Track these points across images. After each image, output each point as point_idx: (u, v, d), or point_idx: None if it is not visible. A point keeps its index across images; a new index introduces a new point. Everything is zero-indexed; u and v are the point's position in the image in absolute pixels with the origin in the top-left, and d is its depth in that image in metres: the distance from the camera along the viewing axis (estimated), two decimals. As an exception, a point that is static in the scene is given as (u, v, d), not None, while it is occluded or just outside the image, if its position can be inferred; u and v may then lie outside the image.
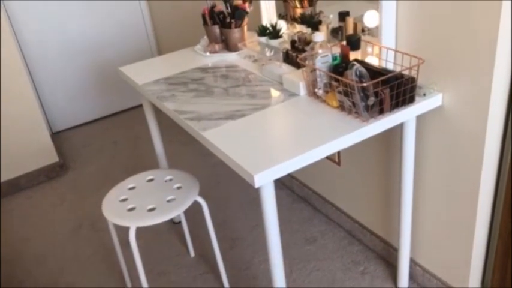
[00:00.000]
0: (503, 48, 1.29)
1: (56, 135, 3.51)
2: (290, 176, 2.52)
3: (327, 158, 2.17)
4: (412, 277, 1.92)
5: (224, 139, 1.39)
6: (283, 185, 2.61)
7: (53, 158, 3.01)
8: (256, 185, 1.22)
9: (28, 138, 2.87)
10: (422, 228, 1.79)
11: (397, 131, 1.70)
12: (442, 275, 1.80)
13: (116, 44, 3.56)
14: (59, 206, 2.72)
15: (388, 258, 2.03)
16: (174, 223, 2.45)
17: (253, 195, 2.56)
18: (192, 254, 2.22)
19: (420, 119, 1.59)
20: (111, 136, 3.42)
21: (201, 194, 1.79)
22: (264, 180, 1.23)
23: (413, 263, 1.90)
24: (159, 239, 2.35)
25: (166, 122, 3.26)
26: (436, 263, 1.81)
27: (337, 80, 1.42)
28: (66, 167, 3.09)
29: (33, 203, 2.78)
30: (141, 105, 3.78)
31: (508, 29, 1.27)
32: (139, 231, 2.33)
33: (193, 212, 2.41)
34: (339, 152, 2.09)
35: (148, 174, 1.92)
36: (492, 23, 1.25)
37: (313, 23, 1.86)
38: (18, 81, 2.74)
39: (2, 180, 2.86)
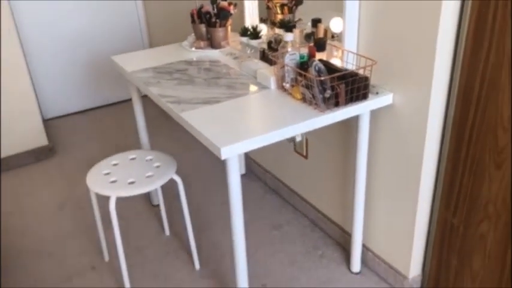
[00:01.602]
0: (441, 58, 1.51)
1: (46, 122, 3.68)
2: (263, 170, 2.72)
3: (296, 152, 2.37)
4: (363, 261, 2.12)
5: (199, 120, 1.59)
6: (257, 177, 2.80)
7: (42, 141, 3.18)
8: (223, 157, 1.41)
9: (21, 121, 3.04)
10: (374, 215, 2.00)
11: (356, 126, 1.91)
12: (390, 260, 2.00)
13: (109, 38, 3.75)
14: (45, 185, 2.89)
15: (344, 244, 2.23)
16: (153, 206, 2.63)
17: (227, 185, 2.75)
18: (167, 232, 2.40)
19: (374, 115, 1.80)
20: (100, 126, 3.60)
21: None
22: (230, 153, 1.43)
23: (365, 248, 2.10)
24: (138, 219, 2.52)
25: (152, 117, 3.46)
26: (385, 249, 2.01)
27: (301, 75, 1.62)
28: (54, 150, 3.26)
29: (21, 181, 2.94)
30: (130, 99, 3.96)
31: (445, 44, 1.49)
32: (120, 210, 2.50)
33: (171, 197, 2.60)
34: (307, 146, 2.29)
35: (131, 154, 2.11)
36: (431, 38, 1.48)
37: (289, 27, 2.07)
38: (17, 67, 2.92)
39: (-7, 158, 3.03)
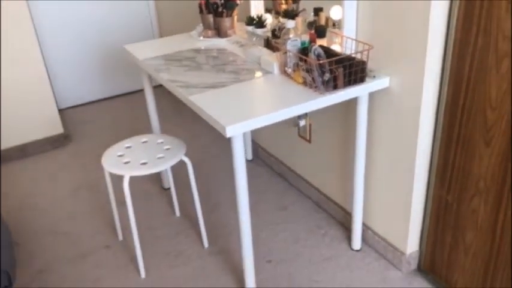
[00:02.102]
0: (433, 43, 1.60)
1: (61, 112, 3.81)
2: (269, 155, 2.83)
3: (300, 136, 2.48)
4: (364, 239, 2.22)
5: (206, 102, 1.70)
6: (264, 163, 2.91)
7: (58, 129, 3.31)
8: (227, 135, 1.53)
9: (37, 110, 3.18)
10: (373, 195, 2.10)
11: (355, 109, 2.01)
12: (389, 237, 2.10)
13: (121, 29, 3.87)
14: (61, 170, 3.03)
15: (345, 224, 2.33)
16: (163, 189, 2.75)
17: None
18: (178, 214, 2.52)
19: (372, 98, 1.90)
20: (113, 115, 3.73)
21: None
22: (234, 132, 1.54)
23: (365, 227, 2.20)
24: (149, 201, 2.65)
25: (162, 108, 3.58)
26: (384, 227, 2.11)
27: (302, 60, 1.73)
28: (69, 138, 3.39)
29: (38, 167, 3.08)
30: (142, 90, 4.09)
31: (437, 30, 1.58)
32: (133, 193, 2.62)
33: (180, 182, 2.72)
34: (310, 131, 2.39)
35: (143, 137, 2.23)
36: (424, 25, 1.57)
37: (292, 16, 2.17)
38: (33, 57, 3.05)
39: (12, 145, 3.16)
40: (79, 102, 3.94)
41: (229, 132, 1.52)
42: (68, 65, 3.78)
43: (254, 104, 1.68)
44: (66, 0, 3.59)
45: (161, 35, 4.03)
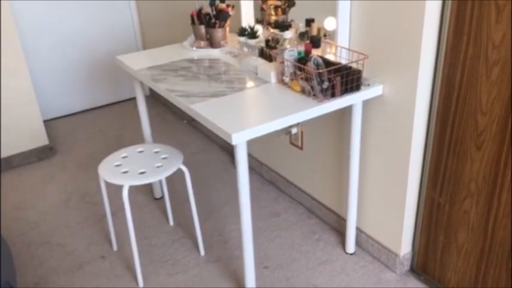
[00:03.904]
0: (425, 52, 1.68)
1: (45, 123, 3.77)
2: (259, 163, 2.87)
3: (292, 143, 2.53)
4: (358, 243, 2.28)
5: (209, 110, 1.73)
6: (254, 170, 2.95)
7: (43, 140, 3.28)
8: (234, 143, 1.57)
9: (22, 121, 3.15)
10: (367, 199, 2.16)
11: (349, 117, 2.08)
12: (382, 240, 2.17)
13: (105, 40, 3.87)
14: (49, 182, 3.00)
15: (339, 228, 2.39)
16: (155, 199, 2.76)
17: (225, 178, 2.90)
18: (172, 223, 2.54)
19: (365, 105, 1.97)
20: (98, 126, 3.71)
21: (184, 163, 2.13)
22: (239, 140, 1.58)
23: (359, 230, 2.26)
24: (143, 212, 2.65)
25: (148, 117, 3.58)
26: (377, 230, 2.18)
27: (300, 69, 1.79)
28: (55, 150, 3.36)
29: (24, 179, 3.05)
30: (127, 100, 4.09)
31: (429, 39, 1.67)
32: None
33: (172, 190, 2.74)
34: (302, 138, 2.45)
35: (139, 147, 2.24)
36: (416, 34, 1.65)
37: (285, 27, 2.22)
38: (18, 69, 3.03)
39: (-4, 157, 3.13)
40: (63, 113, 3.91)
41: (235, 139, 1.56)
42: (52, 75, 3.75)
43: (257, 111, 1.72)
44: (50, 13, 3.57)
45: (145, 46, 4.05)
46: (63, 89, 3.84)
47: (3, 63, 2.97)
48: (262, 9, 2.48)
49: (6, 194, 2.89)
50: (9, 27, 2.93)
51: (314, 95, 1.76)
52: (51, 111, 3.85)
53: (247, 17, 2.50)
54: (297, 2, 2.26)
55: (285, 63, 1.86)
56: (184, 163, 2.12)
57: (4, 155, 3.14)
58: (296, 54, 1.86)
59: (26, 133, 3.19)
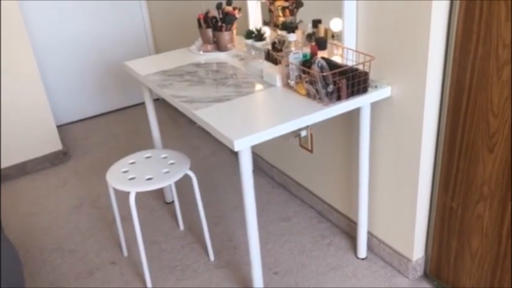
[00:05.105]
0: (434, 52, 1.63)
1: (58, 128, 3.81)
2: (270, 165, 2.84)
3: (302, 146, 2.50)
4: (369, 248, 2.24)
5: (212, 116, 1.71)
6: (265, 173, 2.93)
7: (57, 146, 3.31)
8: (236, 149, 1.54)
9: (35, 127, 3.18)
10: (378, 203, 2.12)
11: (358, 119, 2.03)
12: (394, 244, 2.12)
13: (117, 45, 3.89)
14: (62, 187, 3.02)
15: (350, 232, 2.35)
16: (166, 203, 2.75)
17: (236, 182, 2.88)
18: (182, 227, 2.53)
19: (374, 107, 1.93)
20: (111, 130, 3.73)
21: (191, 171, 2.11)
22: (242, 146, 1.55)
23: (370, 235, 2.22)
24: (153, 216, 2.65)
25: (160, 121, 3.59)
26: (389, 234, 2.13)
27: (305, 72, 1.75)
28: (68, 155, 3.39)
29: (38, 185, 3.07)
30: (139, 104, 4.10)
31: (437, 39, 1.62)
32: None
33: (182, 195, 2.73)
34: (311, 141, 2.41)
35: (147, 153, 2.24)
36: (424, 34, 1.60)
37: (291, 29, 2.19)
38: (31, 76, 3.06)
39: (11, 164, 3.15)
40: (76, 118, 3.94)
41: (237, 146, 1.54)
42: (65, 81, 3.78)
43: (261, 116, 1.69)
44: (62, 18, 3.60)
45: (157, 50, 4.06)
46: (76, 94, 3.87)
47: (16, 70, 3.00)
48: (270, 10, 2.45)
49: (20, 200, 2.92)
50: (21, 34, 2.96)
51: (319, 98, 1.73)
52: (64, 117, 3.88)
53: (255, 19, 2.47)
54: (305, 2, 2.23)
55: (290, 66, 1.82)
56: (195, 167, 2.11)
57: (18, 161, 3.18)
58: (301, 56, 1.82)
59: (39, 139, 3.22)
